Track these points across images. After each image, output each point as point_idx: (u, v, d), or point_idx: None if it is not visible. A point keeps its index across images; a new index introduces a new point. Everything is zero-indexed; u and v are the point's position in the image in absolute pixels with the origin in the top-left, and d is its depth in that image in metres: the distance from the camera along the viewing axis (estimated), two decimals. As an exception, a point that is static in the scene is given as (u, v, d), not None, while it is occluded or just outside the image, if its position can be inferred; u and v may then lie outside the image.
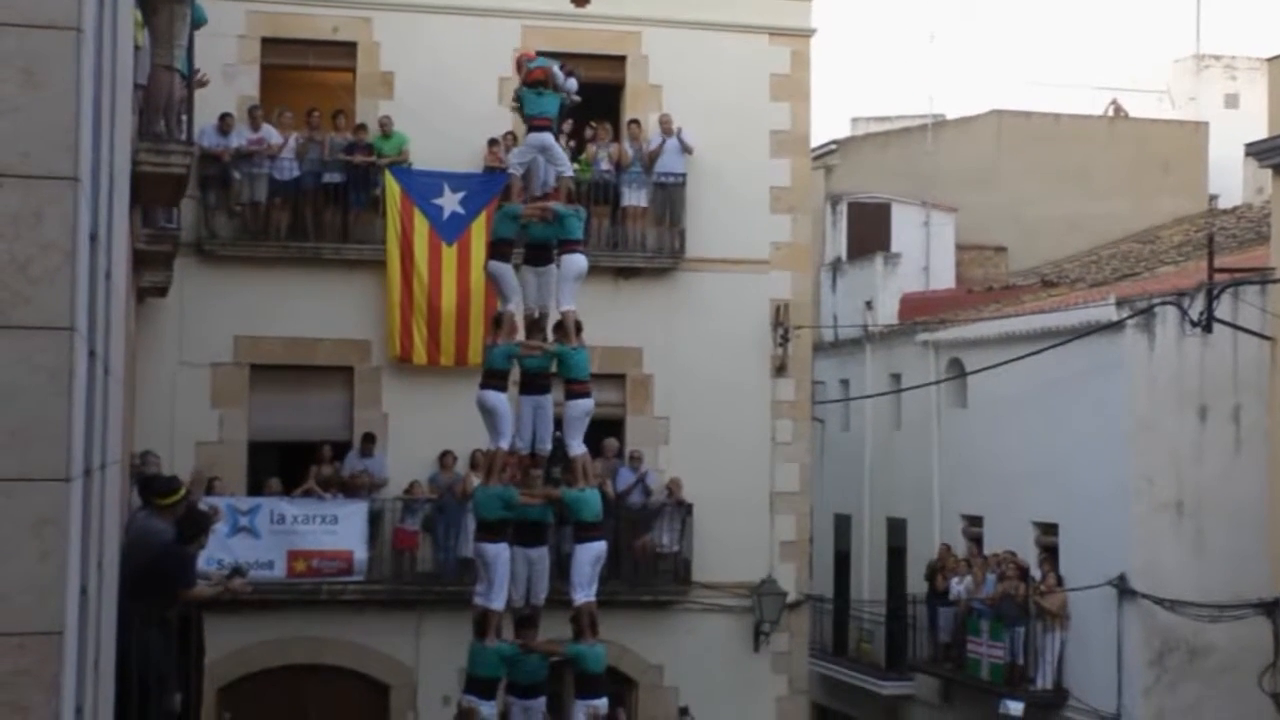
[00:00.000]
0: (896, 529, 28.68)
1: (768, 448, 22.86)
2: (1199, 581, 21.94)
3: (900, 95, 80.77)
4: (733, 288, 22.79)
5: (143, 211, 15.14)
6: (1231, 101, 41.97)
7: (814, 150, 27.23)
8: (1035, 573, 23.70)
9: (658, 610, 22.18)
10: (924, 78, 67.10)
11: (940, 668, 25.77)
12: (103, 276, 7.24)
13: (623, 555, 21.49)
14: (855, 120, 42.45)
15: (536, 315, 17.78)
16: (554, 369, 17.62)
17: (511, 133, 21.18)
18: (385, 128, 21.76)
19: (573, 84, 18.29)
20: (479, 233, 21.24)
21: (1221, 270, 22.31)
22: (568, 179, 18.31)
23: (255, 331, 21.47)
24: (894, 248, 31.95)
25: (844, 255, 32.50)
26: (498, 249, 17.91)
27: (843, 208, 32.91)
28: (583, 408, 17.42)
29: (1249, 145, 23.60)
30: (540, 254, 17.86)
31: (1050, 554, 23.77)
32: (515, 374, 17.76)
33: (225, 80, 21.15)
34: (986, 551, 25.09)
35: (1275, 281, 21.94)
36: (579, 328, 17.53)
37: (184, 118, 14.08)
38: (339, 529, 20.97)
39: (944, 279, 32.82)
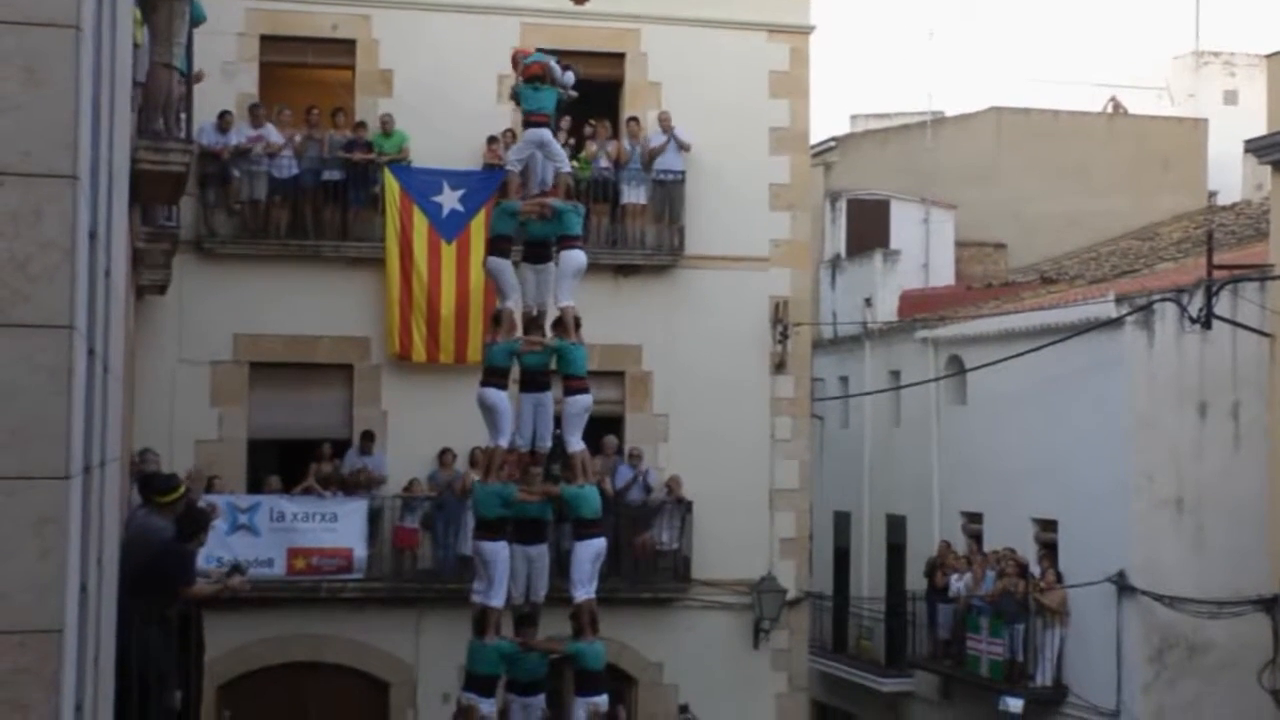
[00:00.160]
0: (896, 526, 28.69)
1: (767, 445, 22.87)
2: (1198, 578, 21.95)
3: (899, 92, 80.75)
4: (732, 285, 22.79)
5: (142, 209, 15.14)
6: (1231, 98, 41.98)
7: (813, 147, 27.22)
8: (1035, 569, 23.71)
9: (657, 608, 22.19)
10: (923, 74, 67.17)
11: (940, 665, 25.78)
12: (102, 274, 7.24)
13: (622, 553, 21.49)
14: (854, 117, 42.46)
15: (535, 313, 17.78)
16: (553, 366, 17.61)
17: (511, 130, 21.18)
18: (386, 126, 21.75)
19: (570, 78, 18.29)
20: (478, 230, 21.24)
21: (1221, 267, 22.32)
22: (566, 175, 18.31)
23: (255, 329, 21.47)
24: (893, 245, 31.95)
25: (843, 252, 32.51)
26: (496, 246, 17.92)
27: (842, 205, 32.91)
28: (581, 404, 17.42)
29: (1248, 142, 23.61)
30: (539, 252, 17.86)
31: (1050, 551, 23.78)
32: (515, 372, 17.76)
33: (224, 78, 21.15)
34: (986, 548, 25.10)
35: (1274, 278, 21.95)
36: (578, 323, 17.54)
37: (183, 116, 14.08)
38: (339, 527, 20.98)
39: (943, 276, 32.82)
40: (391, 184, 21.58)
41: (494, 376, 17.34)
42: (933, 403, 27.20)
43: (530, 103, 17.99)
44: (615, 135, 22.73)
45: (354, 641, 21.46)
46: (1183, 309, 21.88)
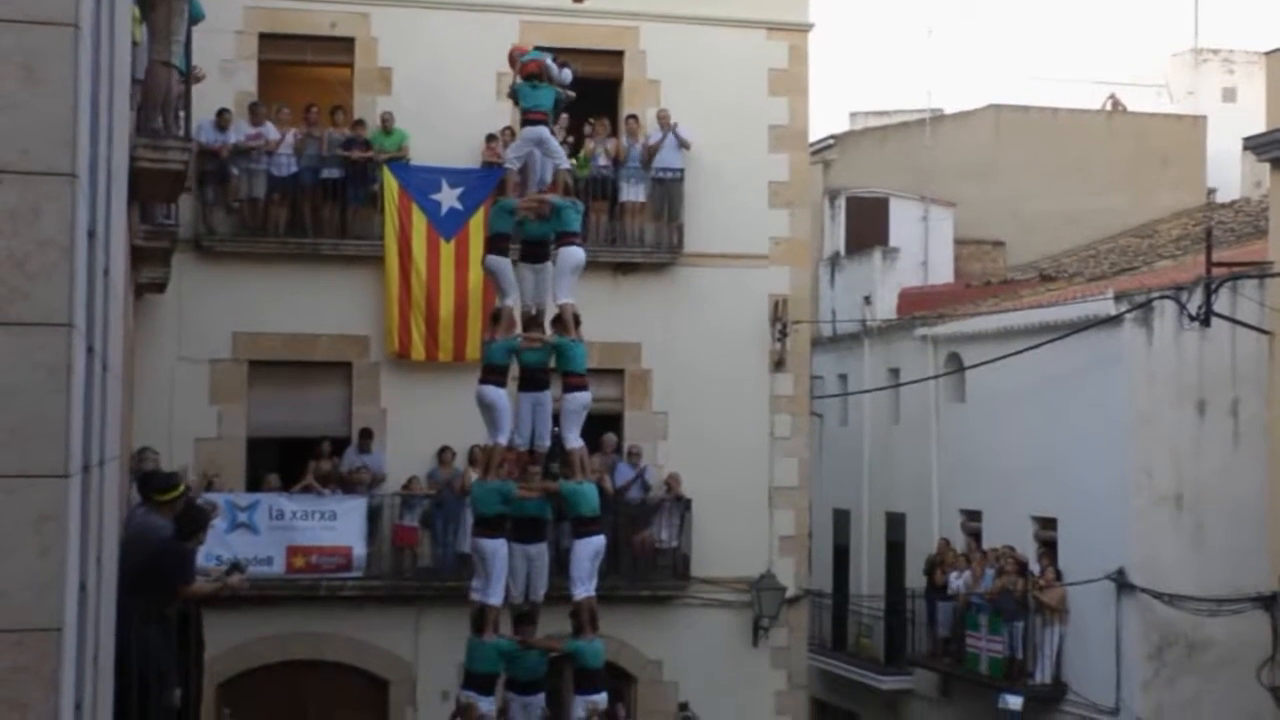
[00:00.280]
0: (895, 524, 28.69)
1: (766, 443, 22.88)
2: (1198, 575, 21.95)
3: (898, 90, 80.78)
4: (731, 283, 22.79)
5: (141, 207, 15.12)
6: (1229, 95, 41.95)
7: (812, 145, 27.22)
8: (1034, 567, 23.72)
9: (657, 605, 22.20)
10: (922, 72, 67.13)
11: (939, 662, 25.79)
12: (101, 273, 7.24)
13: (622, 551, 21.51)
14: (853, 115, 42.42)
15: (534, 312, 17.76)
16: (552, 363, 17.60)
17: (510, 128, 21.17)
18: (386, 124, 21.76)
19: (567, 75, 18.27)
20: (477, 228, 21.24)
21: (1220, 264, 22.33)
22: (565, 172, 18.29)
23: (254, 328, 21.47)
24: (892, 242, 31.95)
25: (842, 250, 32.51)
26: (495, 244, 17.90)
27: (841, 202, 32.91)
28: (580, 401, 17.42)
29: (1247, 139, 23.60)
30: (537, 251, 17.85)
31: (1049, 548, 23.79)
32: (514, 370, 17.75)
33: (223, 76, 21.14)
34: (985, 546, 25.11)
35: (1273, 275, 21.95)
36: (577, 320, 17.53)
37: (182, 114, 14.06)
38: (338, 525, 20.98)
39: (942, 274, 32.82)
40: (390, 182, 21.58)
41: (493, 374, 17.33)
42: (932, 400, 27.20)
43: (528, 100, 17.98)
44: (614, 133, 22.72)
45: (353, 639, 21.47)
46: (1182, 306, 21.88)
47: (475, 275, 21.14)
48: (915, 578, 26.69)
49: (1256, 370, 22.26)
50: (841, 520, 30.65)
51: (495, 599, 16.87)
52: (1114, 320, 22.38)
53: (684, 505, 22.17)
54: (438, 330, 21.59)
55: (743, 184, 22.82)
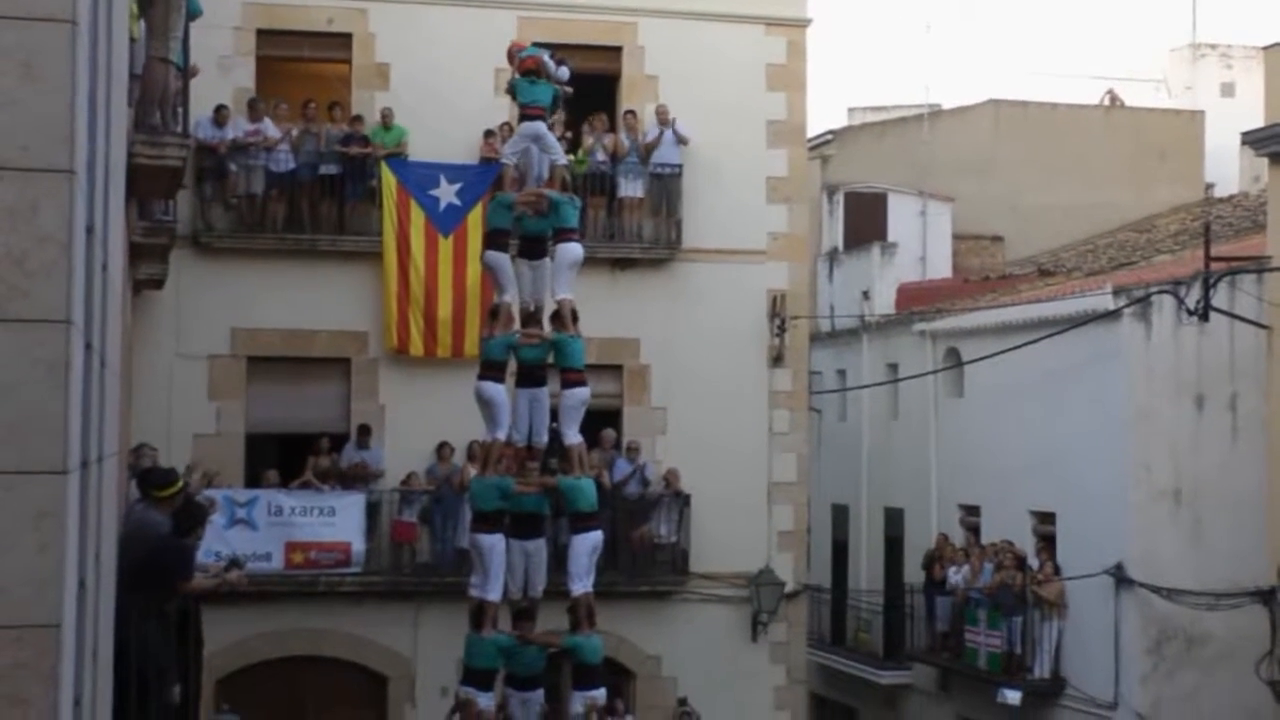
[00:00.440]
0: (894, 519, 28.71)
1: (765, 438, 22.88)
2: (1196, 570, 21.97)
3: (896, 85, 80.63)
4: (729, 278, 22.79)
5: (139, 204, 15.12)
6: (1228, 90, 41.93)
7: (810, 140, 27.22)
8: (1033, 562, 23.74)
9: (656, 601, 22.21)
10: (920, 67, 66.94)
11: (938, 657, 25.81)
12: (99, 269, 7.24)
13: (620, 546, 21.52)
14: (851, 110, 42.41)
15: (532, 308, 17.75)
16: (550, 360, 17.61)
17: (508, 123, 21.15)
18: (386, 120, 21.75)
19: (564, 72, 18.27)
20: (475, 224, 21.24)
21: (1218, 259, 22.31)
22: (562, 168, 18.28)
23: (252, 324, 21.47)
24: (890, 237, 31.93)
25: (840, 245, 32.50)
26: (494, 239, 17.89)
27: (839, 198, 32.90)
28: (578, 397, 17.42)
29: (1245, 134, 23.60)
30: (535, 247, 17.83)
31: (1048, 543, 23.80)
32: (512, 366, 17.75)
33: (221, 72, 21.13)
34: (984, 541, 25.12)
35: (1272, 270, 21.95)
36: (575, 316, 17.52)
37: (180, 110, 14.06)
38: (336, 521, 20.99)
39: (941, 269, 32.82)
40: (388, 178, 21.58)
41: (491, 370, 17.33)
42: (930, 395, 27.21)
43: (526, 96, 17.97)
44: (612, 129, 22.72)
45: (352, 635, 21.48)
46: (1180, 301, 21.88)
47: (473, 271, 21.14)
48: (914, 573, 26.70)
49: (1255, 365, 22.27)
50: (840, 515, 30.66)
51: (494, 595, 16.87)
52: (1112, 315, 22.38)
53: (683, 500, 22.18)
54: (436, 326, 21.59)
55: (741, 179, 22.82)
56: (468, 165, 21.87)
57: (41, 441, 5.75)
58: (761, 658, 22.65)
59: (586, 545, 17.06)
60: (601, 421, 21.68)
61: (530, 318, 17.68)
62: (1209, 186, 37.37)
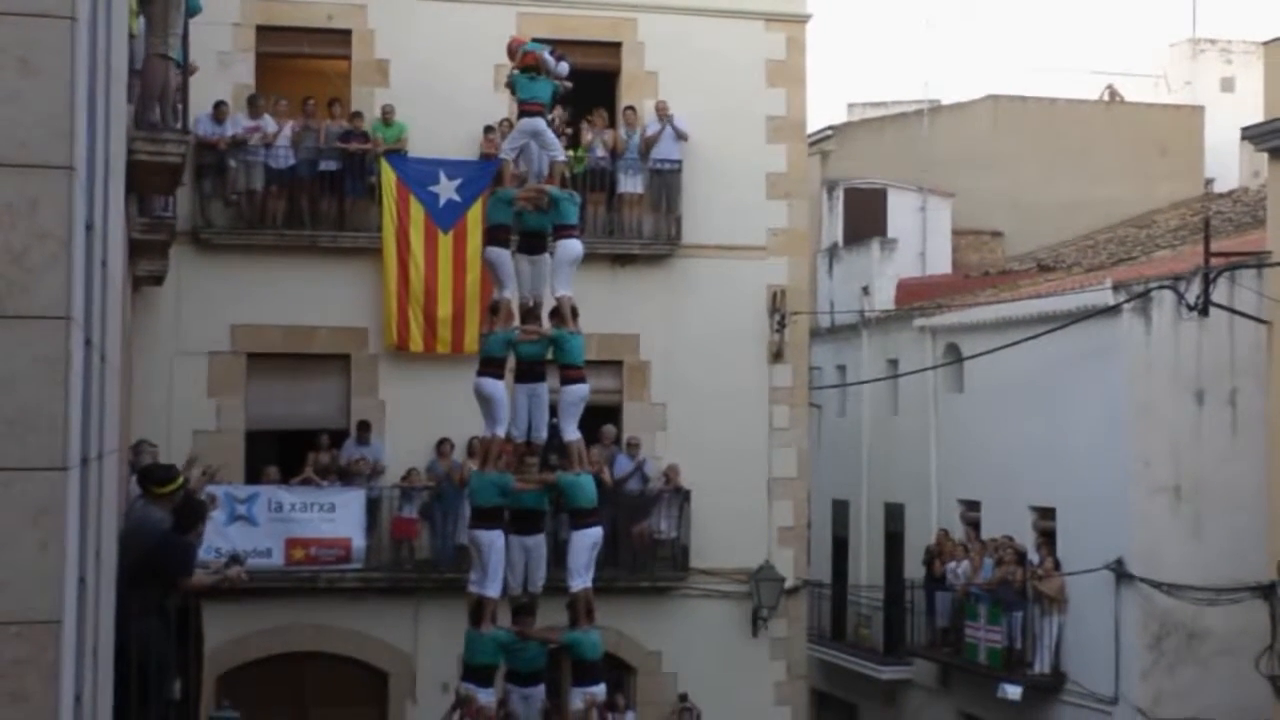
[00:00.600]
0: (894, 514, 28.71)
1: (765, 434, 22.89)
2: (1196, 565, 21.96)
3: (896, 80, 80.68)
4: (729, 274, 22.79)
5: (138, 200, 15.12)
6: (1228, 85, 41.92)
7: (810, 136, 27.21)
8: (1033, 557, 23.74)
9: (656, 597, 22.21)
10: (920, 63, 67.02)
11: (938, 652, 25.81)
12: (99, 265, 7.24)
13: (621, 542, 21.52)
14: (851, 106, 42.42)
15: (532, 304, 17.76)
16: (550, 356, 17.60)
17: (508, 119, 21.13)
18: (387, 116, 21.74)
19: (564, 68, 18.26)
20: (475, 220, 21.24)
21: (1218, 254, 22.32)
22: (561, 164, 18.28)
23: (252, 320, 21.47)
24: (890, 233, 31.92)
25: (840, 241, 32.49)
26: (494, 235, 17.89)
27: (839, 193, 32.89)
28: (578, 393, 17.42)
29: (1245, 129, 23.57)
30: (534, 242, 17.83)
31: (1048, 538, 23.80)
32: (511, 363, 17.75)
33: (220, 68, 21.13)
34: (984, 536, 25.13)
35: (1272, 265, 21.94)
36: (575, 313, 17.52)
37: (179, 106, 14.05)
38: (337, 517, 20.99)
39: (941, 264, 32.83)
40: (388, 174, 21.57)
41: (491, 366, 17.33)
42: (930, 391, 27.22)
43: (525, 92, 17.96)
44: (612, 125, 22.72)
45: (353, 631, 21.48)
46: (1180, 296, 21.88)
47: (473, 267, 21.15)
48: (914, 568, 26.71)
49: (1255, 360, 22.26)
50: (840, 511, 30.67)
51: (493, 591, 16.87)
52: (1112, 310, 22.38)
53: (683, 496, 22.19)
54: (436, 322, 21.59)
55: (741, 175, 22.82)
56: (467, 161, 21.86)
57: (41, 438, 5.75)
58: (762, 653, 22.66)
59: (586, 541, 17.07)
60: (602, 417, 21.68)
61: (530, 314, 17.68)
62: (1209, 182, 37.39)
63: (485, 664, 16.96)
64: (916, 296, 29.97)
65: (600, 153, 22.39)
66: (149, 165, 12.83)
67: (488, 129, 21.74)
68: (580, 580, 16.95)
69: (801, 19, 23.39)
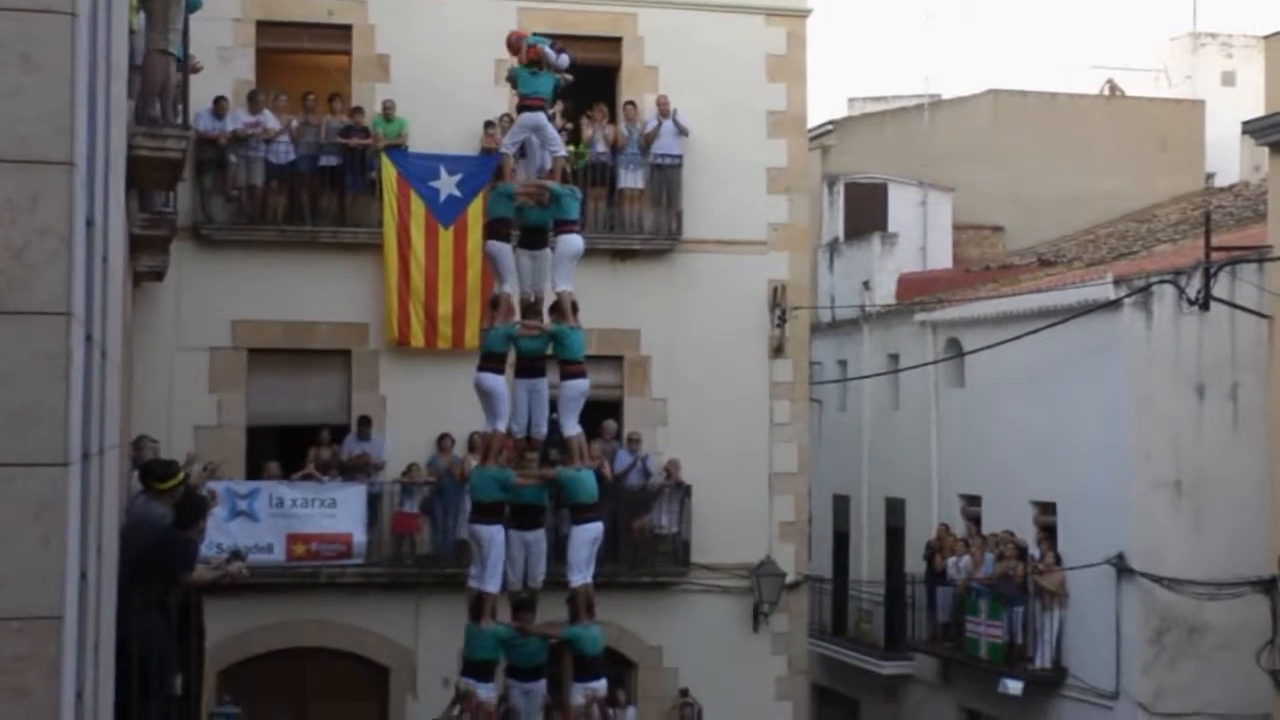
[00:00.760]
0: (895, 509, 28.71)
1: (766, 429, 22.88)
2: (1197, 560, 21.96)
3: (897, 75, 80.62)
4: (730, 269, 22.78)
5: (139, 196, 15.12)
6: (1228, 79, 41.89)
7: (811, 131, 27.20)
8: (1034, 552, 23.75)
9: (657, 592, 22.22)
10: (921, 57, 67.01)
11: (939, 647, 25.82)
12: (99, 261, 7.24)
13: (622, 537, 21.52)
14: (852, 100, 42.40)
15: (533, 299, 17.75)
16: (550, 351, 17.60)
17: (508, 114, 21.10)
18: (388, 111, 21.73)
19: (565, 60, 18.23)
20: (476, 216, 21.23)
21: (1219, 249, 22.30)
22: (562, 159, 18.26)
23: (253, 315, 21.47)
24: (891, 228, 31.92)
25: (841, 236, 32.48)
26: (495, 229, 17.88)
27: (839, 188, 32.87)
28: (578, 388, 17.41)
29: (1246, 123, 23.56)
30: (535, 237, 17.82)
31: (1048, 533, 23.81)
32: (512, 358, 17.74)
33: (221, 63, 21.11)
34: (985, 531, 25.14)
35: (1272, 259, 21.92)
36: (575, 308, 17.52)
37: (180, 102, 14.04)
38: (338, 512, 20.99)
39: (941, 259, 32.81)
40: (389, 169, 21.56)
41: (491, 361, 17.32)
42: (931, 385, 27.22)
43: (527, 86, 17.93)
44: (612, 120, 22.71)
45: (354, 627, 21.49)
46: (1181, 291, 21.87)
47: (474, 262, 21.15)
48: (915, 563, 26.72)
49: (1256, 354, 22.25)
50: (841, 506, 30.67)
51: (492, 586, 16.86)
52: (1113, 305, 22.38)
53: (684, 491, 22.18)
54: (436, 318, 21.59)
55: (741, 170, 22.81)
56: (468, 156, 21.85)
57: (42, 433, 5.76)
58: (763, 648, 22.66)
59: (586, 536, 17.06)
60: (602, 412, 21.68)
61: (531, 309, 17.67)
62: (1209, 176, 37.36)
63: (485, 659, 16.96)
64: (917, 291, 29.96)
65: (601, 148, 22.38)
66: (149, 161, 12.83)
67: (488, 124, 21.73)
68: (581, 575, 16.94)
69: (802, 14, 23.38)
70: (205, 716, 15.07)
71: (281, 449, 21.70)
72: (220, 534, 18.75)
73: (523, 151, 18.21)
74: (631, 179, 22.47)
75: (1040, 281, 27.19)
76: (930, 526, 26.50)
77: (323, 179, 21.79)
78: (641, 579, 22.00)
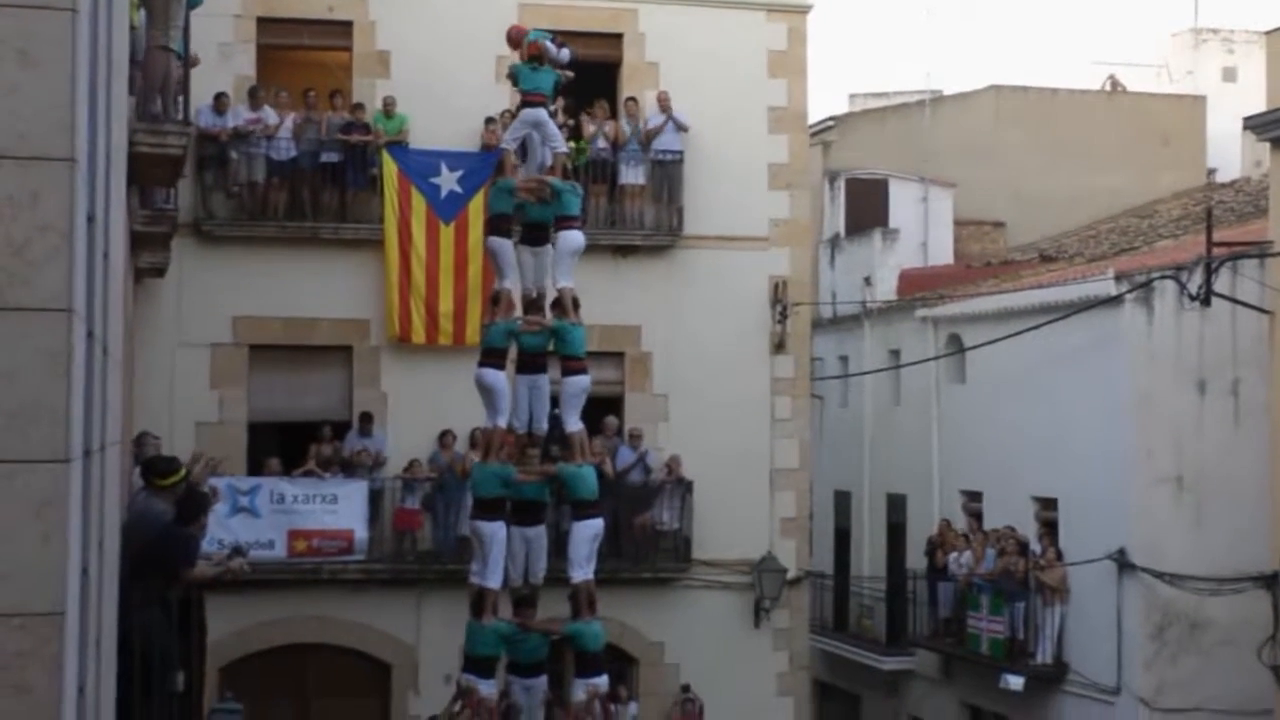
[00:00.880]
0: (896, 505, 28.72)
1: (767, 425, 22.88)
2: (1199, 555, 21.96)
3: (898, 71, 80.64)
4: (731, 265, 22.78)
5: (140, 192, 15.12)
6: (1229, 75, 41.85)
7: (812, 126, 27.19)
8: (1035, 547, 23.75)
9: (658, 588, 22.22)
10: (922, 53, 66.92)
11: (941, 643, 25.83)
12: (100, 257, 7.23)
13: (623, 533, 21.53)
14: (853, 96, 42.33)
15: (535, 295, 17.75)
16: (551, 347, 17.60)
17: (509, 111, 21.09)
18: (388, 108, 21.72)
19: (565, 54, 18.24)
20: (476, 212, 21.23)
21: (1220, 244, 22.28)
22: (562, 155, 18.26)
23: (254, 312, 21.47)
24: (892, 224, 31.90)
25: (842, 231, 32.47)
26: (496, 225, 17.88)
27: (841, 184, 32.85)
28: (579, 385, 17.41)
29: (1247, 119, 23.56)
30: (537, 234, 17.83)
31: (1050, 529, 23.81)
32: (513, 354, 17.74)
33: (221, 59, 21.10)
34: (986, 527, 25.14)
35: (1274, 255, 21.93)
36: (576, 304, 17.52)
37: (180, 98, 14.05)
38: (339, 508, 21.00)
39: (942, 255, 32.79)
40: (389, 165, 21.57)
41: (492, 357, 17.32)
42: (932, 381, 27.21)
43: (528, 82, 17.93)
44: (613, 116, 22.70)
45: (355, 623, 21.50)
46: (1182, 286, 21.86)
47: (475, 258, 21.16)
48: (916, 559, 26.73)
49: (1257, 350, 22.25)
50: (842, 502, 30.68)
51: (494, 582, 16.87)
52: (1114, 300, 22.37)
53: (685, 487, 22.19)
54: (438, 314, 21.60)
55: (742, 166, 22.80)
56: (469, 152, 21.85)
57: (43, 430, 5.76)
58: (764, 644, 22.67)
59: (587, 533, 17.06)
60: (603, 408, 21.68)
61: (533, 305, 17.67)
62: (1211, 172, 37.32)
63: (486, 655, 16.96)
64: (918, 287, 29.95)
65: (602, 144, 22.38)
66: (150, 157, 12.84)
67: (489, 120, 21.73)
68: (582, 572, 16.95)
69: (802, 9, 23.37)
70: (207, 713, 15.05)
71: (283, 445, 21.70)
72: (222, 530, 18.75)
73: (524, 148, 18.21)
74: (632, 175, 22.46)
75: (1041, 277, 27.17)
76: (931, 522, 26.50)
77: (324, 175, 21.79)
78: (643, 575, 22.01)
